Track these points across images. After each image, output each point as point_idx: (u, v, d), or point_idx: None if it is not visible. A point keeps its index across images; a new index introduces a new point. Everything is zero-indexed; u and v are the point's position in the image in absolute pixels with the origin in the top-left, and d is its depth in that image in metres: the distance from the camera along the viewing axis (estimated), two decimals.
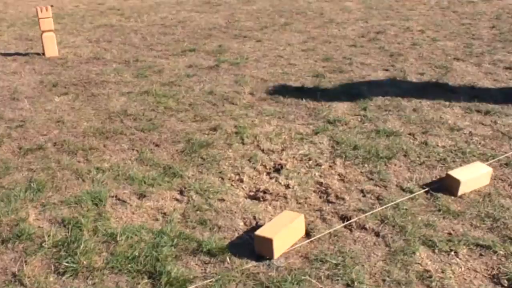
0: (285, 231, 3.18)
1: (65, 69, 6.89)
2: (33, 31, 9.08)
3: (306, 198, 3.74)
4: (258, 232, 3.16)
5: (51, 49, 7.54)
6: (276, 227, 3.19)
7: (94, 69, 6.85)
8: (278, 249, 3.14)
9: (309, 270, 3.03)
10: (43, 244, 3.30)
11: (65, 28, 9.44)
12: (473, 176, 3.78)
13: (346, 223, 3.44)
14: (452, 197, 3.71)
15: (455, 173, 3.80)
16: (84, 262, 3.11)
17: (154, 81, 6.33)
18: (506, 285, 2.89)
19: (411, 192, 3.79)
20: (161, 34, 8.75)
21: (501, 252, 3.14)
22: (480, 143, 4.53)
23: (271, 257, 3.12)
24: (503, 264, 3.05)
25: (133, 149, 4.57)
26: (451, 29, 8.46)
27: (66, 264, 3.10)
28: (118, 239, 3.31)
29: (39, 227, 3.49)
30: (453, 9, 10.01)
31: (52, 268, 3.11)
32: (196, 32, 8.85)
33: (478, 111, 5.19)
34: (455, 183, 3.73)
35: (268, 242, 3.11)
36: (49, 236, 3.37)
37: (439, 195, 3.73)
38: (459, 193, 3.72)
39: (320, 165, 4.18)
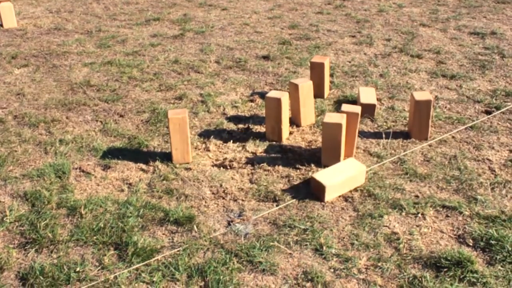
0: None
1: (24, 41, 6.67)
2: None
3: (274, 165, 3.71)
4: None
5: (9, 20, 7.27)
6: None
7: (55, 40, 6.65)
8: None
9: (277, 236, 3.01)
10: (4, 219, 3.20)
11: None
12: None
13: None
14: (419, 161, 3.74)
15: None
16: (49, 236, 3.04)
17: (117, 51, 6.18)
18: (471, 244, 2.92)
19: (378, 156, 3.79)
20: (124, 3, 8.53)
21: (466, 212, 3.18)
22: (445, 107, 4.55)
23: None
24: (469, 224, 3.08)
25: (96, 120, 4.46)
26: None
27: (29, 238, 3.03)
28: (82, 211, 3.24)
29: (0, 201, 3.39)
30: None
31: (15, 242, 3.03)
32: (160, 1, 8.65)
33: (444, 76, 5.21)
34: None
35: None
36: (11, 210, 3.28)
37: (406, 158, 3.75)
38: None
39: (288, 132, 4.15)
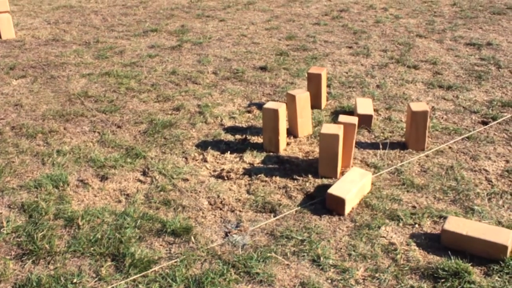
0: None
1: (22, 52, 6.69)
2: None
3: (271, 176, 3.72)
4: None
5: (8, 31, 7.30)
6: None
7: (53, 51, 6.67)
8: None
9: (275, 247, 3.01)
10: (1, 230, 3.20)
11: (23, 9, 9.16)
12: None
13: (312, 201, 3.43)
14: (416, 171, 3.75)
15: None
16: (46, 247, 3.04)
17: (115, 62, 6.20)
18: (468, 255, 2.92)
19: (375, 167, 3.80)
20: (122, 14, 8.57)
21: None
22: (442, 118, 4.57)
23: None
24: None
25: (94, 131, 4.47)
26: (414, 7, 8.51)
27: (26, 249, 3.03)
28: (80, 222, 3.24)
29: None
30: None
31: (12, 254, 3.03)
32: (158, 12, 8.69)
33: (440, 87, 5.23)
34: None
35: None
36: (8, 221, 3.27)
37: (403, 169, 3.76)
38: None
39: (285, 143, 4.16)
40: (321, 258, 2.91)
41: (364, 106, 4.45)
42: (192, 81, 5.53)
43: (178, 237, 3.11)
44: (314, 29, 7.37)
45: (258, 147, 4.09)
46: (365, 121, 4.34)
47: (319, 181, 3.63)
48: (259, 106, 4.80)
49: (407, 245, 3.02)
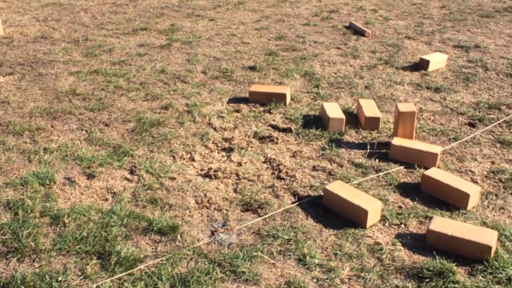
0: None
1: (10, 49, 6.64)
2: None
3: (258, 175, 3.72)
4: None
5: None
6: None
7: (41, 49, 6.63)
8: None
9: (261, 246, 3.02)
10: None
11: (11, 6, 9.10)
12: None
13: (299, 201, 3.44)
14: (403, 172, 3.77)
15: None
16: (31, 245, 3.02)
17: (104, 60, 6.17)
18: (453, 255, 2.94)
19: (362, 167, 3.82)
20: (112, 13, 8.53)
21: None
22: (429, 119, 4.60)
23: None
24: None
25: (82, 129, 4.45)
26: (403, 9, 8.54)
27: (11, 247, 3.01)
28: (66, 220, 3.22)
29: None
30: None
31: None
32: (148, 11, 8.67)
33: (428, 88, 5.26)
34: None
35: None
36: None
37: (390, 169, 3.78)
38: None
39: (273, 142, 4.17)
40: (307, 258, 2.92)
41: (370, 108, 4.44)
42: (181, 80, 5.52)
43: (165, 236, 3.11)
44: (303, 30, 7.38)
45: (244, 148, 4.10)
46: (373, 123, 4.33)
47: (306, 181, 3.64)
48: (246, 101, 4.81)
49: (393, 245, 3.04)
